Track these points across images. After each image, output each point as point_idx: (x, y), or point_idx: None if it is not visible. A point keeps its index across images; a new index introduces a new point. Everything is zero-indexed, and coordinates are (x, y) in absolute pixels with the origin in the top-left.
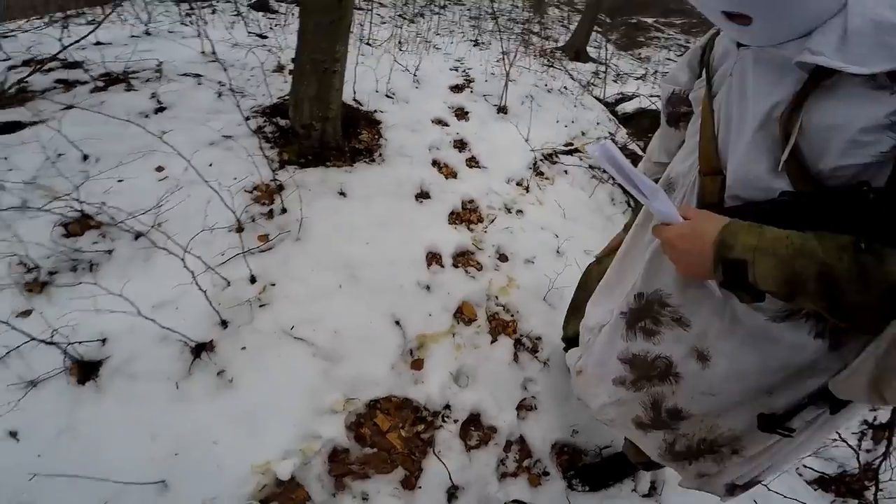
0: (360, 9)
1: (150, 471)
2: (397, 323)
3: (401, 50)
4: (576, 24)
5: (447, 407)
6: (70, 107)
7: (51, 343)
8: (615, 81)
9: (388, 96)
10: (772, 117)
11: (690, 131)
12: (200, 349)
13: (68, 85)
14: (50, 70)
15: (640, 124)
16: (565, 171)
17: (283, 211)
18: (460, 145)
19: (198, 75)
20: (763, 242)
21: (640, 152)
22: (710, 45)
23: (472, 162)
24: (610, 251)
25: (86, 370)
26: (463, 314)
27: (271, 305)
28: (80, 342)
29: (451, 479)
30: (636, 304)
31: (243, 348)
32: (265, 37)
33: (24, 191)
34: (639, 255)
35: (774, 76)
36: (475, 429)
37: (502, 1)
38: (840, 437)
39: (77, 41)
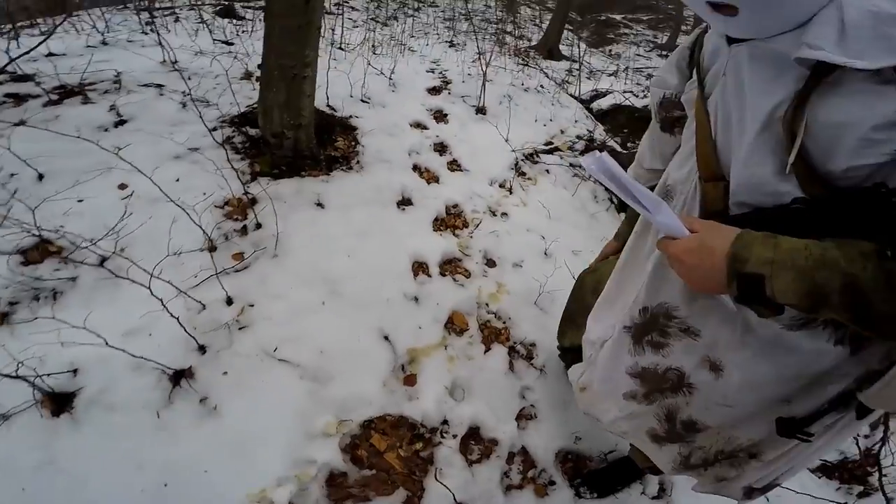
0: (332, 13)
1: (140, 502)
2: (386, 338)
3: (375, 53)
4: (547, 22)
5: (445, 422)
6: (21, 122)
7: (17, 377)
8: (589, 78)
9: (363, 101)
10: (774, 117)
11: (686, 135)
12: (179, 376)
13: (19, 99)
14: None
15: (616, 120)
16: (547, 171)
17: (258, 226)
18: (441, 148)
19: (159, 85)
20: (780, 254)
21: (618, 148)
22: (699, 44)
23: (454, 165)
24: (604, 257)
25: (58, 402)
26: (454, 324)
27: (251, 327)
28: (48, 374)
29: (454, 498)
30: (641, 318)
31: (225, 373)
32: (231, 43)
33: None
34: (639, 267)
35: (772, 73)
36: (475, 443)
37: (475, 1)
38: None
39: (26, 52)
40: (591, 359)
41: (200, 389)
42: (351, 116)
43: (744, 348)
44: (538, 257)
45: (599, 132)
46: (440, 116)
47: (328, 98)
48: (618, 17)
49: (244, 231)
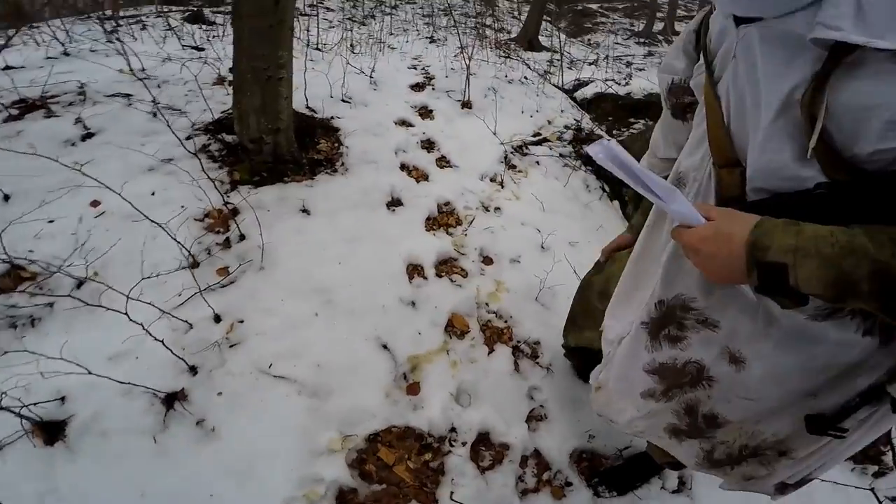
0: (306, 14)
1: None
2: (385, 346)
3: (353, 52)
4: (526, 14)
5: (452, 430)
6: None
7: (1, 409)
8: (570, 68)
9: (344, 101)
10: (791, 101)
11: (696, 120)
12: (172, 399)
13: None
14: None
15: (601, 108)
16: (537, 162)
17: (242, 238)
18: (428, 145)
19: (127, 95)
20: (803, 242)
21: (606, 137)
22: (705, 27)
23: (443, 161)
24: (616, 249)
25: (50, 431)
26: (454, 327)
27: (243, 344)
28: (34, 403)
29: None
30: (657, 312)
31: (220, 394)
32: (201, 49)
33: None
34: (654, 259)
35: (786, 55)
36: (486, 448)
37: None
38: None
39: None
40: (609, 356)
41: (196, 411)
42: (332, 117)
43: (766, 339)
44: (535, 251)
45: (586, 121)
46: (425, 113)
47: (307, 99)
48: (594, 7)
49: (227, 244)
